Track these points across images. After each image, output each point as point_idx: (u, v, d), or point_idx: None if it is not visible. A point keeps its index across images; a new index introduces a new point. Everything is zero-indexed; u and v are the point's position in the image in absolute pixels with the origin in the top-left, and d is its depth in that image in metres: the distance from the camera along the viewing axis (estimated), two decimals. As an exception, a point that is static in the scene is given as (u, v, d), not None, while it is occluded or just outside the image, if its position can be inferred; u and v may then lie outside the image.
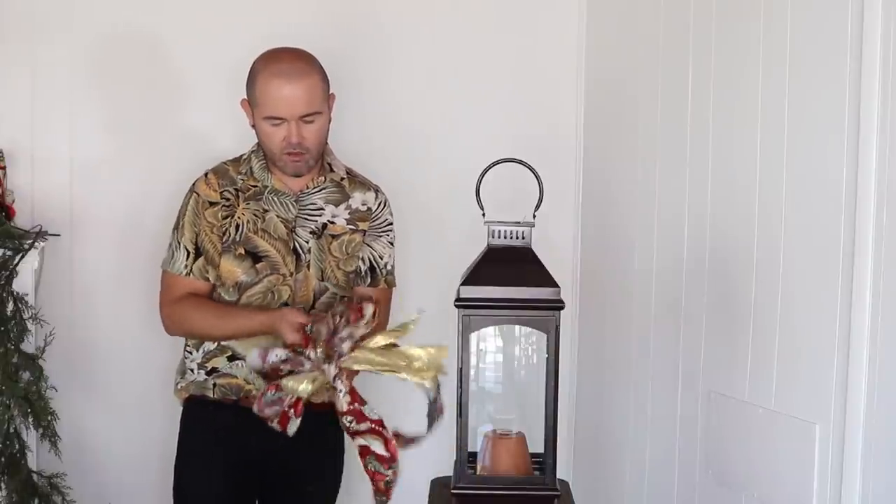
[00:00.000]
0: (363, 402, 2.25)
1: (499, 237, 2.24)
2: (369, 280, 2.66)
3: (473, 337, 2.21)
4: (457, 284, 2.20)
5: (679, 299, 2.71)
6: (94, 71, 3.06)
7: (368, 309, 2.26)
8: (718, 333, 2.56)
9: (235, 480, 2.57)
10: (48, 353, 2.83)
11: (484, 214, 2.27)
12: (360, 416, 2.24)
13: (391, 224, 2.70)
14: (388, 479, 2.24)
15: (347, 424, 2.24)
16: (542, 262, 2.22)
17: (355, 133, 3.17)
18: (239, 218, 2.56)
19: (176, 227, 2.60)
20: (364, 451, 2.23)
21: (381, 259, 2.67)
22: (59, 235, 2.97)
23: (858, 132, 2.08)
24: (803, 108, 2.26)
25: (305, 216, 2.60)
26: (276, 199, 2.59)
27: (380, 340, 2.25)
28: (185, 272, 2.56)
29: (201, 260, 2.56)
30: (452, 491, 2.21)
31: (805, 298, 2.26)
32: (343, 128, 3.15)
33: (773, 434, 2.34)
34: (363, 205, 2.66)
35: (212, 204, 2.57)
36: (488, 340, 2.30)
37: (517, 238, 2.24)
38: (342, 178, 2.65)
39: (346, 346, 2.23)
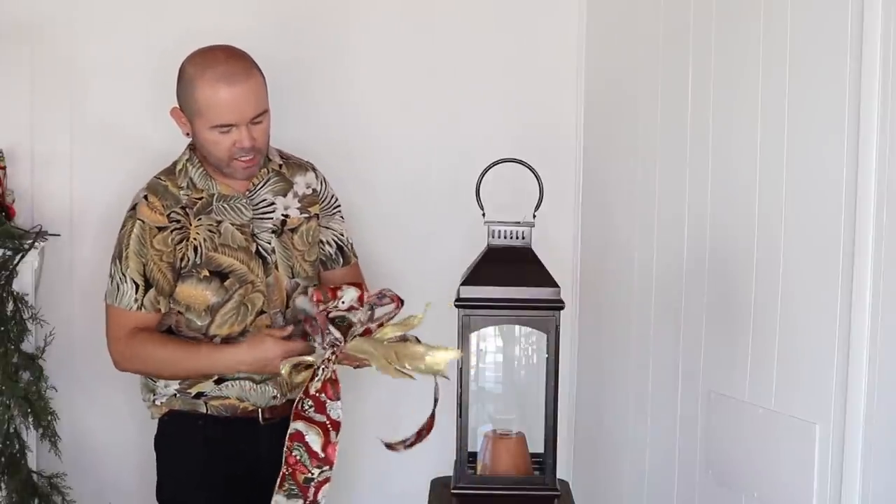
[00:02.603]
0: (333, 398, 2.25)
1: (499, 237, 2.24)
2: (341, 260, 2.64)
3: (473, 337, 2.21)
4: (457, 284, 2.20)
5: (679, 299, 2.71)
6: (93, 71, 3.05)
7: (349, 292, 2.25)
8: (718, 333, 2.56)
9: (228, 493, 2.52)
10: (48, 353, 2.83)
11: (484, 214, 2.27)
12: (319, 407, 2.25)
13: (337, 199, 2.66)
14: (309, 476, 2.23)
15: (303, 407, 2.24)
16: (542, 262, 2.22)
17: (356, 133, 3.18)
18: (195, 239, 2.44)
19: (118, 258, 2.45)
20: (296, 437, 2.23)
21: (343, 236, 2.65)
22: (59, 235, 2.97)
23: (858, 132, 2.08)
24: (803, 108, 2.26)
25: (261, 216, 2.52)
26: (226, 205, 2.48)
27: (388, 332, 2.26)
28: (135, 306, 2.42)
29: (152, 292, 2.43)
30: (452, 491, 2.21)
31: (805, 298, 2.26)
32: (341, 128, 3.16)
33: (773, 434, 2.34)
34: (308, 188, 2.60)
35: (160, 229, 2.43)
36: (488, 340, 2.30)
37: (517, 238, 2.24)
38: (280, 166, 2.58)
39: (336, 332, 2.25)
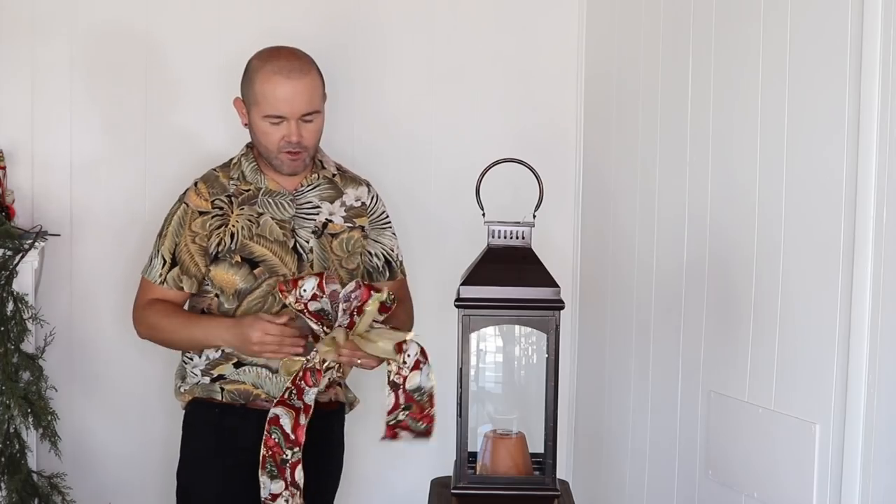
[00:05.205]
0: (311, 385, 2.35)
1: (499, 237, 2.24)
2: (388, 274, 2.70)
3: (473, 337, 2.21)
4: (457, 284, 2.20)
5: (679, 299, 2.71)
6: (93, 71, 3.06)
7: (308, 280, 2.32)
8: (718, 333, 2.56)
9: (243, 483, 2.55)
10: (48, 353, 2.83)
11: (484, 214, 2.26)
12: (299, 393, 2.36)
13: (388, 216, 2.72)
14: (284, 457, 2.34)
15: (288, 396, 2.35)
16: (542, 262, 2.22)
17: (355, 133, 3.18)
18: (233, 226, 2.55)
19: (158, 236, 2.61)
20: (273, 421, 2.35)
21: (393, 252, 2.72)
22: (59, 235, 2.98)
23: (858, 132, 2.08)
24: (803, 107, 2.26)
25: (303, 215, 2.59)
26: (271, 200, 2.58)
27: (366, 321, 2.32)
28: (158, 280, 2.57)
29: (176, 269, 2.56)
30: (452, 491, 2.21)
31: (805, 298, 2.26)
32: (342, 128, 3.16)
33: (773, 434, 2.34)
34: (357, 200, 2.67)
35: (202, 213, 2.56)
36: (488, 340, 2.30)
37: (517, 238, 2.24)
38: (333, 175, 2.66)
39: (315, 325, 2.35)
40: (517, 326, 2.28)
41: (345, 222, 2.64)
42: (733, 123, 2.49)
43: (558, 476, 2.24)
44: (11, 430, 2.71)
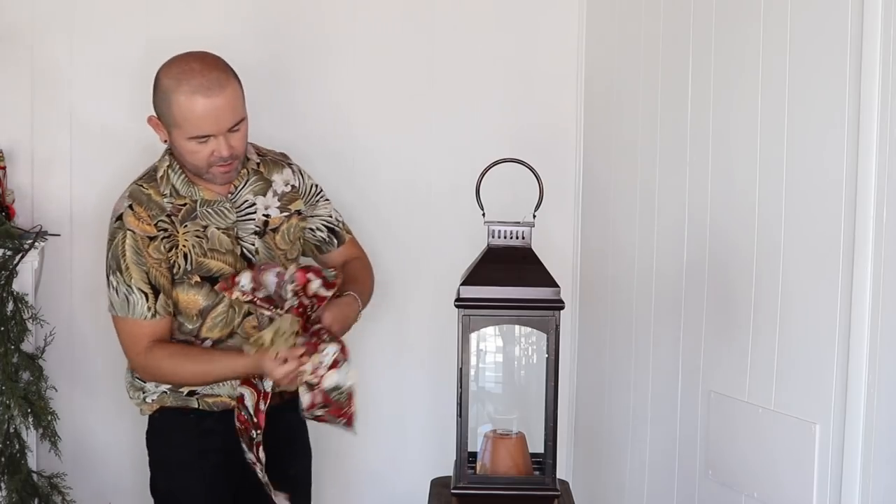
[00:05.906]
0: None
1: (499, 237, 2.25)
2: (336, 241, 2.67)
3: (473, 337, 2.21)
4: (457, 284, 2.20)
5: (679, 299, 2.71)
6: (93, 71, 3.05)
7: (243, 275, 2.37)
8: (718, 333, 2.56)
9: (220, 480, 2.54)
10: (48, 353, 2.83)
11: (484, 214, 2.27)
12: (259, 374, 2.40)
13: (316, 185, 2.66)
14: (252, 436, 2.37)
15: (254, 376, 2.39)
16: (542, 262, 2.22)
17: (356, 134, 3.18)
18: (184, 246, 2.45)
19: (118, 270, 2.43)
20: (240, 400, 2.39)
21: (332, 217, 2.67)
22: (59, 235, 2.97)
23: (858, 132, 2.08)
24: (803, 107, 2.26)
25: (243, 218, 2.52)
26: (211, 210, 2.48)
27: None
28: (149, 314, 2.43)
29: (162, 297, 2.43)
30: (452, 491, 2.21)
31: (804, 298, 2.26)
32: (343, 128, 3.16)
33: (773, 434, 2.34)
34: (286, 185, 2.59)
35: (151, 239, 2.42)
36: (488, 340, 2.30)
37: (517, 238, 2.24)
38: (258, 164, 2.57)
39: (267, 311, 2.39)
40: (517, 326, 2.28)
41: (281, 212, 2.57)
42: (733, 123, 2.49)
43: (558, 476, 2.25)
44: (11, 430, 2.71)
